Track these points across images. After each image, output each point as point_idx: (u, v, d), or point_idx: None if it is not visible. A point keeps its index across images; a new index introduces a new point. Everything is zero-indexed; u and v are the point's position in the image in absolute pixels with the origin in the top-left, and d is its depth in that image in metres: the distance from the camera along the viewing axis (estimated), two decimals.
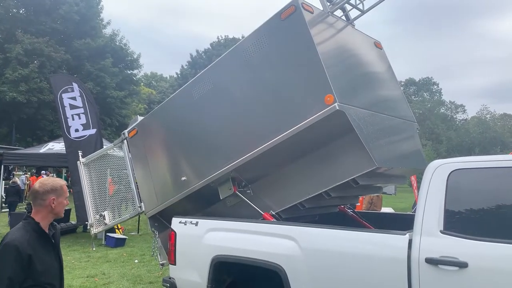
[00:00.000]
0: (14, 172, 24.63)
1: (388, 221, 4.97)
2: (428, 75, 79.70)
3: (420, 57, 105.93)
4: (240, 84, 4.38)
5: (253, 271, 4.00)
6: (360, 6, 4.75)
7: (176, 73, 55.70)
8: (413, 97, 60.30)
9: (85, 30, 30.46)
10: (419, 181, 4.41)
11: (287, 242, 3.67)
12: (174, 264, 4.50)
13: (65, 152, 10.78)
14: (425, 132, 49.08)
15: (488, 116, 53.98)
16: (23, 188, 18.54)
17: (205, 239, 4.23)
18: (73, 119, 10.71)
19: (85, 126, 10.71)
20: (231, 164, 4.33)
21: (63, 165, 16.11)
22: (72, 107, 10.79)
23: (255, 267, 3.85)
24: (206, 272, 4.11)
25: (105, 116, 28.92)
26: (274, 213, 4.35)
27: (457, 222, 3.07)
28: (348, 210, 5.32)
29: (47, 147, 13.10)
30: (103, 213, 6.38)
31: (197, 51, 52.01)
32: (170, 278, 4.55)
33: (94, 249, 9.53)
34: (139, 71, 37.35)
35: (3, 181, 15.98)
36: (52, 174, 20.39)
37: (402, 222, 4.28)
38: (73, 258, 8.60)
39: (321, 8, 4.38)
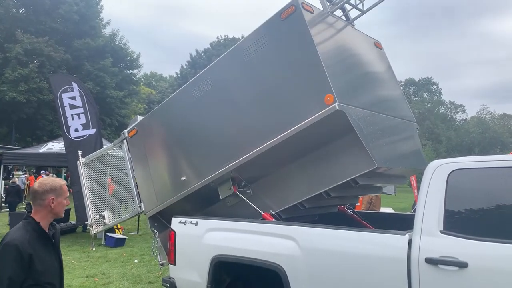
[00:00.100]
0: (14, 172, 24.62)
1: (388, 221, 4.96)
2: (428, 75, 79.91)
3: (420, 57, 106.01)
4: (240, 84, 4.38)
5: (253, 271, 4.00)
6: (360, 6, 4.75)
7: (176, 73, 55.77)
8: (412, 97, 60.35)
9: (84, 30, 30.46)
10: (418, 181, 4.41)
11: (287, 242, 3.67)
12: (174, 264, 4.50)
13: (64, 152, 10.77)
14: (425, 132, 49.13)
15: (487, 116, 54.10)
16: (22, 188, 18.53)
17: (205, 239, 4.23)
18: (72, 119, 10.70)
19: (85, 126, 10.70)
20: (231, 164, 4.33)
21: (62, 165, 16.11)
22: (72, 107, 10.78)
23: (255, 267, 3.85)
24: (206, 272, 4.11)
25: (104, 116, 28.92)
26: (274, 213, 4.34)
27: (457, 222, 3.07)
28: (348, 210, 5.33)
29: (46, 147, 13.09)
30: (102, 213, 6.38)
31: (196, 51, 52.06)
32: (170, 278, 4.55)
33: (93, 249, 9.52)
34: (139, 71, 37.41)
35: (3, 181, 15.97)
36: (51, 174, 20.38)
37: (402, 222, 4.29)
38: (72, 258, 8.60)
39: (321, 8, 4.38)
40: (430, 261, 2.96)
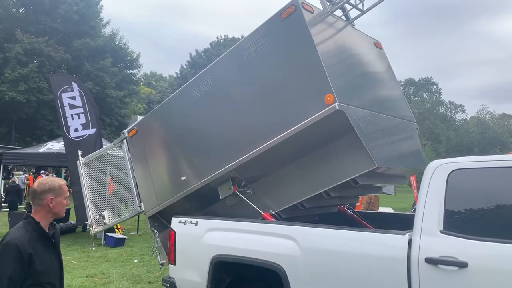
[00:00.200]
0: (14, 172, 24.60)
1: (388, 221, 4.97)
2: (428, 75, 79.92)
3: (419, 57, 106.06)
4: (240, 83, 4.38)
5: (253, 270, 4.00)
6: (360, 6, 4.75)
7: (176, 73, 55.78)
8: (412, 97, 60.36)
9: (84, 30, 30.46)
10: (418, 181, 4.41)
11: (287, 242, 3.67)
12: (174, 263, 4.49)
13: (64, 152, 10.77)
14: (425, 132, 49.17)
15: (487, 116, 54.10)
16: (22, 187, 18.53)
17: (204, 238, 4.23)
18: (72, 119, 10.70)
19: (85, 126, 10.70)
20: (231, 163, 4.33)
21: (62, 165, 16.09)
22: (72, 106, 10.78)
23: (255, 267, 3.85)
24: (205, 271, 4.11)
25: (104, 116, 28.92)
26: (274, 213, 4.34)
27: (457, 222, 3.07)
28: (348, 210, 5.33)
29: (46, 147, 13.08)
30: (102, 213, 6.38)
31: (196, 51, 52.07)
32: (169, 277, 4.55)
33: (93, 248, 9.52)
34: (139, 71, 37.42)
35: (3, 181, 15.96)
36: (51, 174, 20.39)
37: (401, 222, 4.29)
38: (72, 257, 8.59)
39: (321, 8, 4.38)
40: (430, 261, 2.96)
